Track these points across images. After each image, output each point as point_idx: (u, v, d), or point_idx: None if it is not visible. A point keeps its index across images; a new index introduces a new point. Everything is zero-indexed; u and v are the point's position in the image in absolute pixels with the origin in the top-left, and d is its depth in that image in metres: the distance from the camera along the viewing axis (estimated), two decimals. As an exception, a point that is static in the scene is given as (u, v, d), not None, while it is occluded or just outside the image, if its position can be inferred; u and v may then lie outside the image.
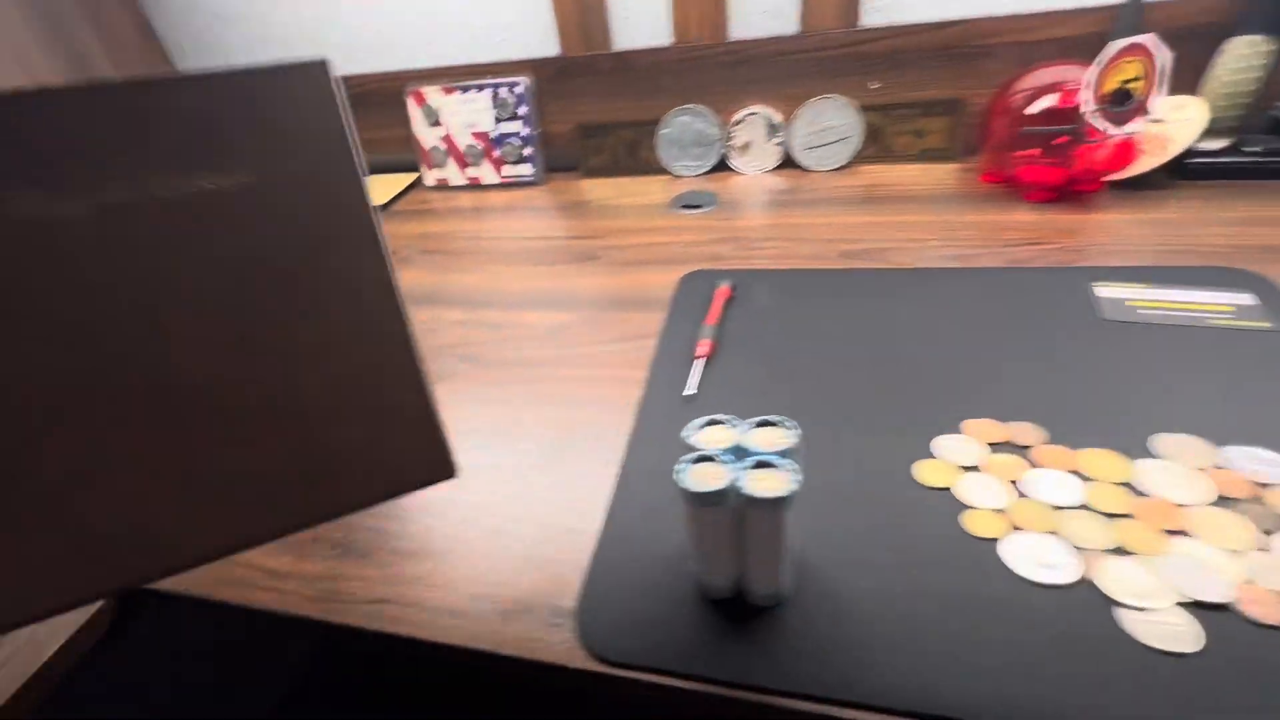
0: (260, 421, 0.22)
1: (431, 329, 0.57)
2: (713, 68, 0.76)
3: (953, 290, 0.51)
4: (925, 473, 0.36)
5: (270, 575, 0.36)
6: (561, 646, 0.31)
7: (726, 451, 0.28)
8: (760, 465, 0.27)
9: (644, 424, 0.43)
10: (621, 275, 0.61)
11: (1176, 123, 0.61)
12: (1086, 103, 0.58)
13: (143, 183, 0.19)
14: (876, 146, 0.75)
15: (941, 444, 0.38)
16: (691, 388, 0.44)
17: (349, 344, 0.22)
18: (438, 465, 0.25)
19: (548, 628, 0.32)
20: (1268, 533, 0.31)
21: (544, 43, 0.81)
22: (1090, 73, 0.57)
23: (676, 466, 0.27)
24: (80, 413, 0.19)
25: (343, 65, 0.88)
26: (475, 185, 0.87)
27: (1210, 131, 0.62)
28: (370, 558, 0.37)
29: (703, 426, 0.30)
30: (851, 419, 0.41)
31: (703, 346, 0.47)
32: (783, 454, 0.27)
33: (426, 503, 0.39)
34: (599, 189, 0.82)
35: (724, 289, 0.54)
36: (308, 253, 0.21)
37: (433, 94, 0.83)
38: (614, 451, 0.41)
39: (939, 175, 0.72)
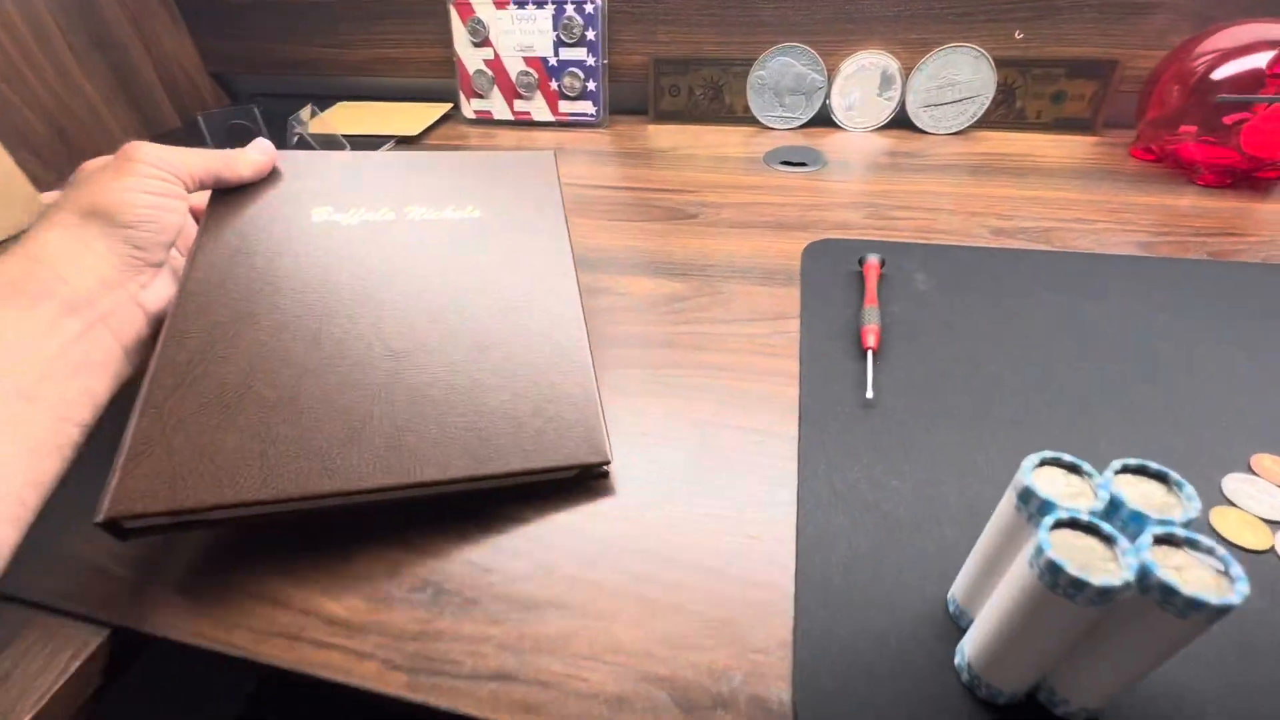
0: (443, 387, 0.30)
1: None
2: (823, 1, 0.64)
3: (1154, 283, 0.42)
4: (1228, 525, 0.27)
5: (334, 626, 0.26)
6: (793, 771, 0.21)
7: (1098, 513, 0.18)
8: (1164, 540, 0.18)
9: (816, 433, 0.33)
10: (731, 238, 0.51)
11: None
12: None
13: (404, 208, 0.36)
14: (1005, 109, 0.65)
15: (1235, 487, 0.29)
16: (870, 389, 0.35)
17: (535, 337, 0.32)
18: (595, 448, 0.30)
19: (762, 736, 0.22)
20: None
21: (620, -46, 0.68)
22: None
23: (1040, 536, 0.18)
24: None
25: (370, -36, 0.73)
26: (524, 121, 0.74)
27: None
28: (476, 606, 0.26)
29: (1038, 465, 0.20)
30: (1092, 440, 0.31)
31: (871, 335, 0.37)
32: (1184, 525, 0.18)
33: (546, 530, 0.29)
34: (671, 135, 0.70)
35: (873, 263, 0.44)
36: (515, 267, 0.35)
37: (483, 6, 0.70)
38: (782, 467, 0.31)
39: (1075, 147, 0.62)
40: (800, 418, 0.34)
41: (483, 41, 0.71)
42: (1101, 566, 0.17)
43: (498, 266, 0.35)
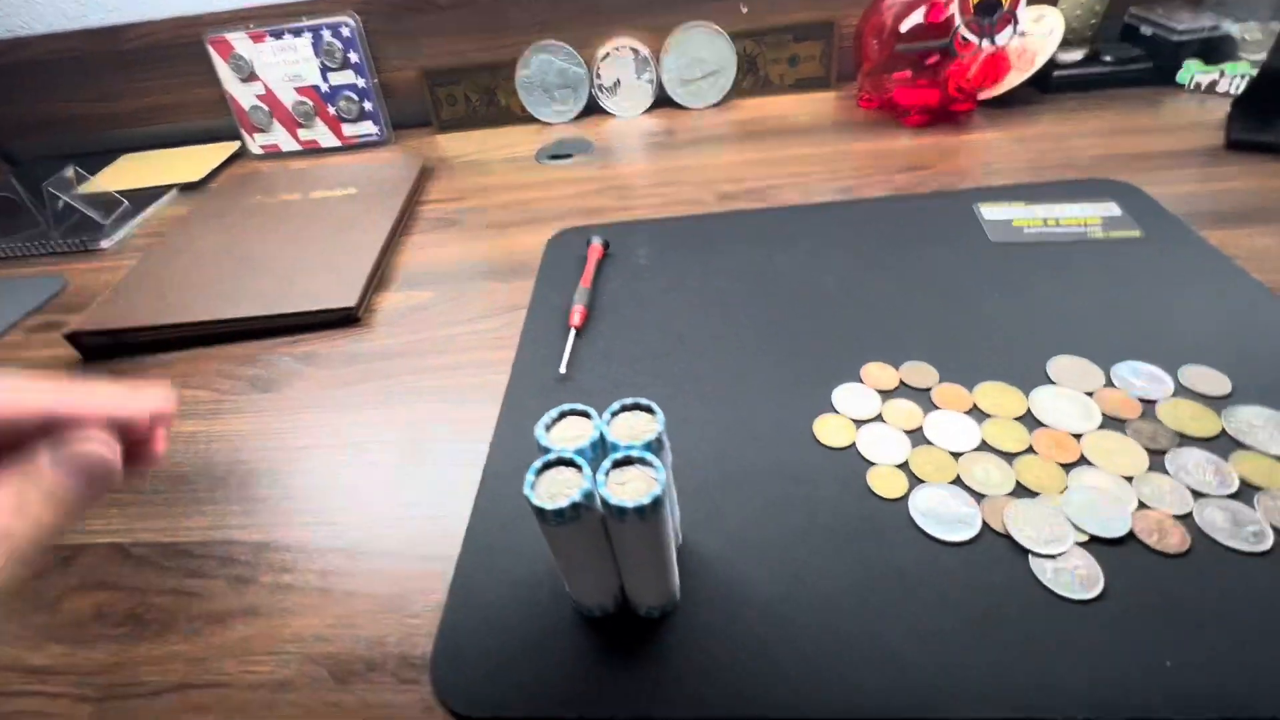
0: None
1: (256, 326, 0.47)
2: (568, -4, 0.68)
3: (839, 225, 0.48)
4: (826, 431, 0.33)
5: (33, 676, 0.28)
6: (414, 709, 0.25)
7: (584, 450, 0.23)
8: (623, 463, 0.22)
9: (510, 414, 0.37)
10: (485, 240, 0.54)
11: (1037, 34, 0.60)
12: (956, 16, 0.55)
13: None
14: (753, 78, 0.70)
15: (841, 396, 0.34)
16: (564, 365, 0.39)
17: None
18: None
19: (398, 687, 0.26)
20: (1159, 452, 0.30)
21: (369, -26, 0.69)
22: (957, -18, 0.54)
23: (527, 478, 0.22)
24: None
25: (120, 10, 0.72)
26: (313, 149, 0.75)
27: (1068, 42, 0.62)
28: (171, 630, 0.29)
29: (556, 420, 0.24)
30: (744, 380, 0.36)
31: (576, 314, 0.41)
32: (647, 446, 0.22)
33: (242, 549, 0.32)
34: (457, 144, 0.72)
35: (596, 246, 0.48)
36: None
37: (240, 42, 0.69)
38: (478, 450, 0.35)
39: (817, 105, 0.68)
40: (504, 401, 0.38)
41: (249, 76, 0.71)
42: (568, 494, 0.21)
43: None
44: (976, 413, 0.33)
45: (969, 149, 0.56)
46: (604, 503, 0.21)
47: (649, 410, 0.24)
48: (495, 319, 0.45)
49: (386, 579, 0.30)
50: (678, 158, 0.62)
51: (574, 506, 0.21)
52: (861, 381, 0.35)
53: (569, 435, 0.24)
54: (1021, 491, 0.29)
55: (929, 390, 0.34)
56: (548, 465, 0.22)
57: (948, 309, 0.39)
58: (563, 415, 0.24)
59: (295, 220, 0.58)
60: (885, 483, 0.30)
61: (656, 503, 0.21)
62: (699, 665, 0.25)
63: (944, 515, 0.28)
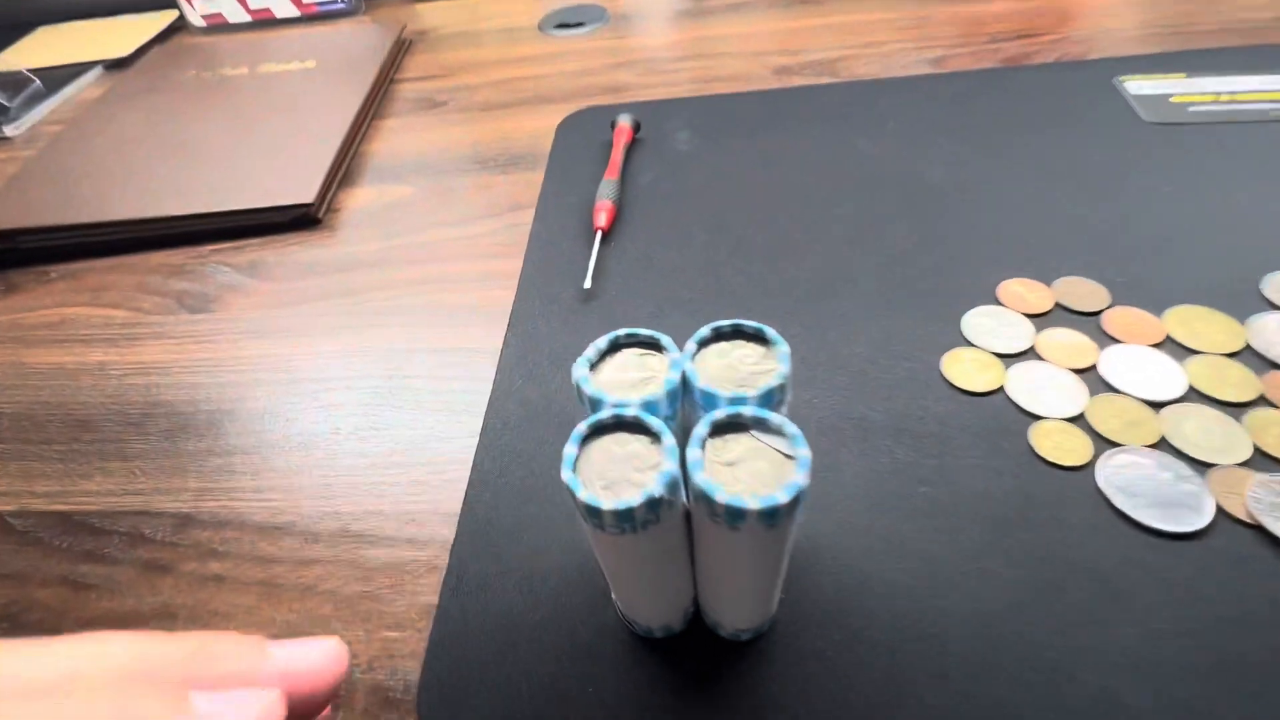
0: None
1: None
2: None
3: (936, 104, 0.37)
4: (960, 371, 0.23)
5: None
6: (392, 776, 0.17)
7: (656, 402, 0.13)
8: (727, 427, 0.13)
9: (519, 342, 0.27)
10: (478, 124, 0.43)
11: None
12: None
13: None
14: (808, -72, 0.56)
15: (976, 323, 0.25)
16: (589, 278, 0.29)
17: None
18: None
19: (369, 738, 0.18)
20: None
21: None
22: None
23: (566, 450, 0.13)
24: None
25: None
26: (265, 20, 0.61)
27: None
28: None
29: (605, 354, 0.15)
30: (834, 299, 0.27)
31: (602, 213, 0.31)
32: (766, 398, 0.13)
33: (159, 525, 0.23)
34: (441, 13, 0.59)
35: (624, 127, 0.37)
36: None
37: None
38: (477, 390, 0.26)
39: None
40: (509, 325, 0.28)
41: (178, -80, 0.56)
42: (638, 479, 0.12)
43: None
44: (1172, 346, 0.23)
45: (1090, 11, 0.44)
46: (702, 496, 0.12)
47: (758, 338, 0.15)
48: (493, 220, 0.35)
49: (354, 571, 0.21)
50: (715, 25, 0.50)
51: (650, 504, 0.12)
52: (1000, 303, 0.26)
53: (626, 379, 0.14)
54: (1263, 461, 0.20)
55: (1098, 315, 0.25)
56: (598, 429, 0.13)
57: (1106, 208, 0.29)
58: (615, 346, 0.15)
59: (240, 99, 0.46)
60: (1057, 444, 0.21)
61: (797, 499, 0.12)
62: (802, 701, 0.17)
63: (1153, 493, 0.20)
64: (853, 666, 0.17)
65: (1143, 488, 0.20)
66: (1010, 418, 0.22)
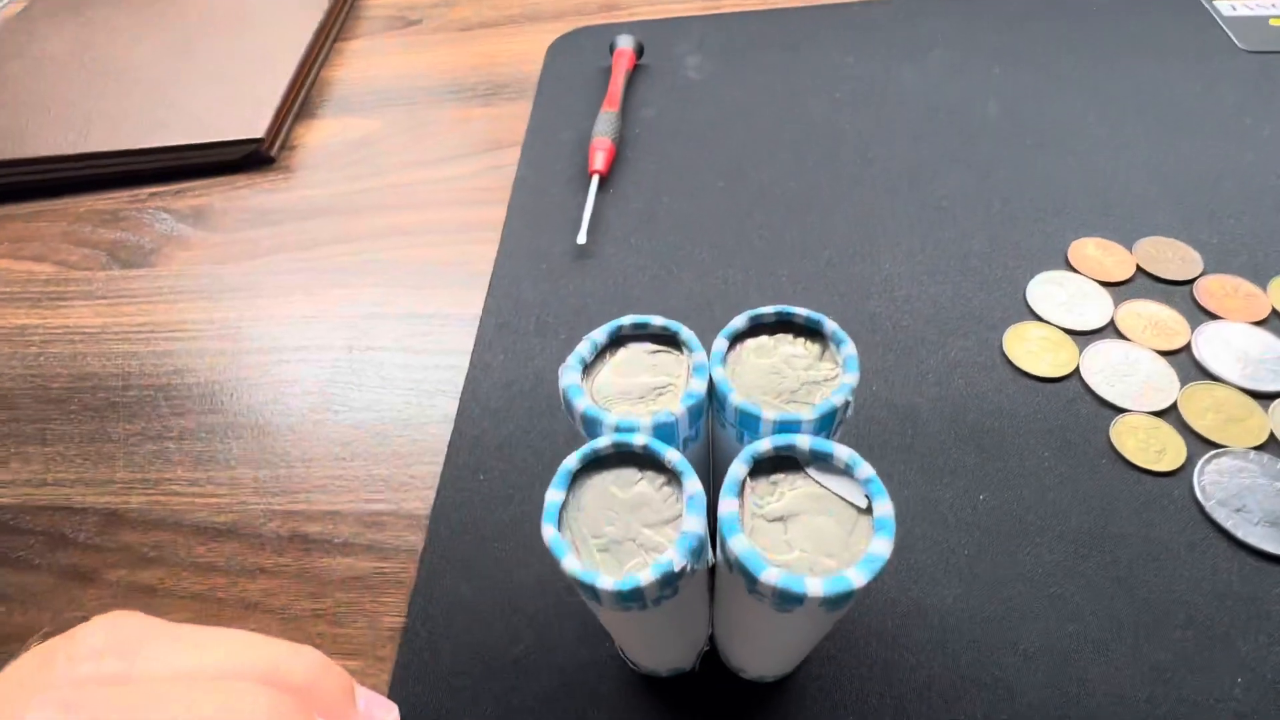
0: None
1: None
2: None
3: (988, 27, 0.32)
4: (1025, 350, 0.20)
5: None
6: None
7: (672, 424, 0.10)
8: (772, 465, 0.09)
9: (501, 306, 0.23)
10: (455, 46, 0.37)
11: None
12: None
13: None
14: None
15: (1043, 293, 0.21)
16: (583, 232, 0.25)
17: None
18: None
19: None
20: None
21: None
22: None
23: (549, 496, 0.09)
24: None
25: None
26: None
27: None
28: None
29: (604, 349, 0.11)
30: (874, 258, 0.23)
31: (599, 154, 0.27)
32: (824, 422, 0.10)
33: (83, 523, 0.20)
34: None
35: (625, 50, 0.32)
36: None
37: None
38: (452, 364, 0.22)
39: None
40: (490, 287, 0.24)
41: None
42: (648, 539, 0.09)
43: None
44: (1279, 323, 0.20)
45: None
46: (741, 570, 0.08)
47: (811, 332, 0.11)
48: (473, 160, 0.30)
49: (306, 585, 0.18)
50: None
51: (666, 580, 0.08)
52: (1072, 268, 0.22)
53: (630, 385, 0.10)
54: (1399, 467, 0.17)
55: (1189, 284, 0.21)
56: (594, 463, 0.09)
57: (1195, 154, 0.25)
58: (617, 340, 0.11)
59: (179, 18, 0.40)
60: (1143, 443, 0.18)
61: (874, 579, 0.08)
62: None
63: (1262, 507, 0.16)
64: (895, 715, 0.14)
65: (1250, 500, 0.16)
66: (1086, 410, 0.18)
